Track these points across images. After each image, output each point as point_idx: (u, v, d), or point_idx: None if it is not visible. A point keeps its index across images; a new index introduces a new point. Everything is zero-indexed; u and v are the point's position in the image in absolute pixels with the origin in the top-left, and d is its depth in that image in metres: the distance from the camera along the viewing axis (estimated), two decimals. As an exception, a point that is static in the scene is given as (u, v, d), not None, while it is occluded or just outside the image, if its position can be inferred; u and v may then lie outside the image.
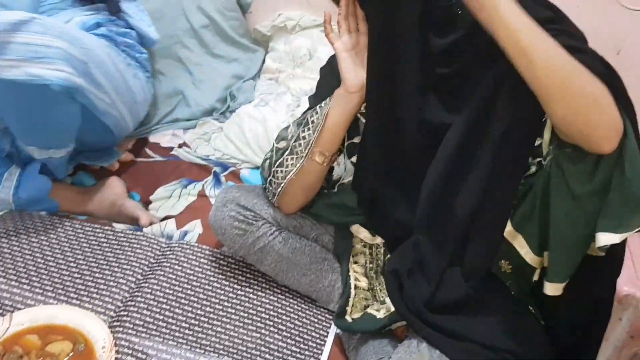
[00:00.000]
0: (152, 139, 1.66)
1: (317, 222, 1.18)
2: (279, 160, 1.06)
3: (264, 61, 1.80)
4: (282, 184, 1.06)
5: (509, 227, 0.89)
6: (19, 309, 1.09)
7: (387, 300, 1.05)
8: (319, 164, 1.03)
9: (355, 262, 1.14)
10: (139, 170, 1.55)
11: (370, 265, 1.13)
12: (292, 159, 1.05)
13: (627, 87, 1.61)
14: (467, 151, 0.87)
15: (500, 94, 0.83)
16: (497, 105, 0.83)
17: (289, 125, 1.08)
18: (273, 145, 1.09)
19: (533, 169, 0.87)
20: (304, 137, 1.03)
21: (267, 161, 1.09)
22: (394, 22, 0.88)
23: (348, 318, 1.05)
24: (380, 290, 1.09)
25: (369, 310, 1.04)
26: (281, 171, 1.06)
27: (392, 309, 1.02)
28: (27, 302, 1.11)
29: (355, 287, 1.10)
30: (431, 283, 0.94)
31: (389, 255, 1.11)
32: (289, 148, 1.05)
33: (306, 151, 1.03)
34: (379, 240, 1.13)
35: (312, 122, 1.02)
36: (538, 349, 0.91)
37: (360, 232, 1.14)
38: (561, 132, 0.77)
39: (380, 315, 1.02)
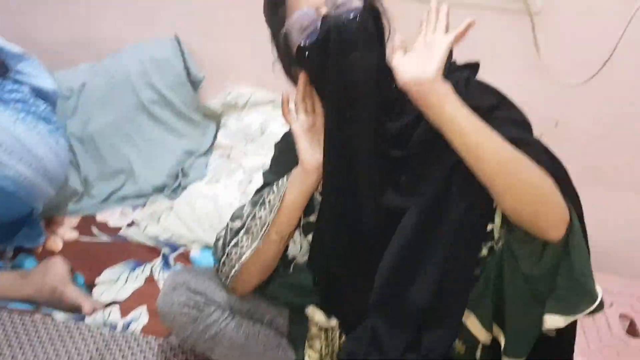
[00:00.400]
0: (100, 217, 1.63)
1: (271, 304, 1.16)
2: (234, 240, 1.03)
3: (215, 137, 1.82)
4: (237, 265, 1.03)
5: None
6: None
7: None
8: (276, 243, 1.02)
9: (311, 347, 1.12)
10: (84, 250, 1.51)
11: (326, 350, 1.12)
12: (247, 239, 1.02)
13: (565, 158, 1.69)
14: (422, 237, 0.89)
15: (453, 180, 0.86)
16: (450, 191, 0.85)
17: (244, 204, 1.06)
18: (227, 224, 1.07)
19: (485, 252, 0.89)
20: (260, 217, 1.01)
21: (220, 241, 1.06)
22: (348, 106, 0.90)
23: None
24: None
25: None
26: (235, 252, 1.03)
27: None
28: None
29: None
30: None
31: (344, 338, 1.10)
32: (245, 227, 1.02)
33: (262, 231, 1.01)
34: (334, 323, 1.12)
35: (269, 201, 1.01)
36: None
37: (316, 315, 1.13)
38: (511, 219, 0.80)
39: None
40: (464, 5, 1.51)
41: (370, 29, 0.87)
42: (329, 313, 1.11)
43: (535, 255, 0.80)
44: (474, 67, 0.96)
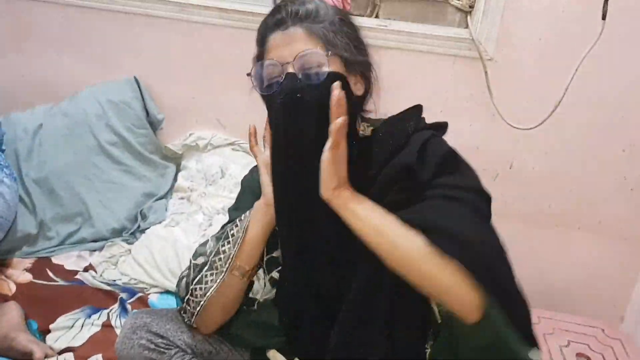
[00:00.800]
0: (56, 260, 1.58)
1: (233, 347, 1.14)
2: (197, 277, 1.02)
3: (175, 179, 1.80)
4: (202, 302, 1.01)
5: None
6: None
7: None
8: (239, 278, 1.02)
9: None
10: (38, 294, 1.46)
11: None
12: (211, 274, 1.02)
13: (520, 198, 1.72)
14: (372, 301, 0.90)
15: None
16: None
17: (207, 241, 1.06)
18: (190, 262, 1.06)
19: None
20: (224, 251, 1.01)
21: (184, 280, 1.05)
22: (285, 159, 0.94)
23: None
24: None
25: None
26: (200, 288, 1.02)
27: None
28: None
29: None
30: None
31: None
32: (208, 263, 1.02)
33: (227, 265, 1.01)
34: None
35: (232, 235, 1.01)
36: None
37: (277, 358, 1.11)
38: None
39: None
40: (418, 52, 1.57)
41: (322, 100, 0.88)
42: (292, 353, 1.10)
43: (469, 333, 0.82)
44: (441, 126, 1.00)
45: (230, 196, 1.69)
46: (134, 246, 1.60)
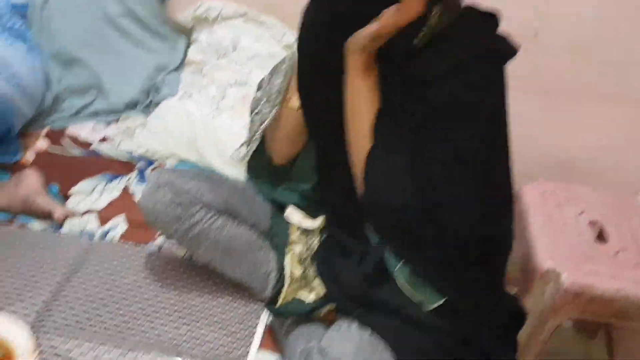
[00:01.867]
0: (70, 130, 1.60)
1: (255, 207, 1.17)
2: (257, 109, 1.10)
3: (186, 53, 1.77)
4: (258, 131, 1.09)
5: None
6: None
7: (317, 286, 1.06)
8: (293, 110, 1.05)
9: (291, 251, 1.14)
10: (57, 162, 1.49)
11: (306, 254, 1.14)
12: (268, 105, 1.09)
13: (545, 68, 1.66)
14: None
15: None
16: None
17: (264, 77, 1.13)
18: (254, 95, 1.14)
19: None
20: (275, 84, 1.08)
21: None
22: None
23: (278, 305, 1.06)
24: (313, 277, 1.10)
25: (297, 295, 1.05)
26: (259, 118, 1.09)
27: (322, 294, 1.03)
28: (-61, 311, 1.05)
29: (290, 276, 1.10)
30: (366, 265, 0.96)
31: (324, 236, 1.13)
32: (265, 96, 1.09)
33: (278, 98, 1.07)
34: (315, 223, 1.14)
35: (283, 69, 1.07)
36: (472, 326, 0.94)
37: (294, 216, 1.15)
38: None
39: (309, 299, 1.03)
40: None
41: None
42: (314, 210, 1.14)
43: None
44: (507, 52, 0.87)
45: (242, 70, 1.66)
46: (149, 118, 1.60)
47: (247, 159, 1.18)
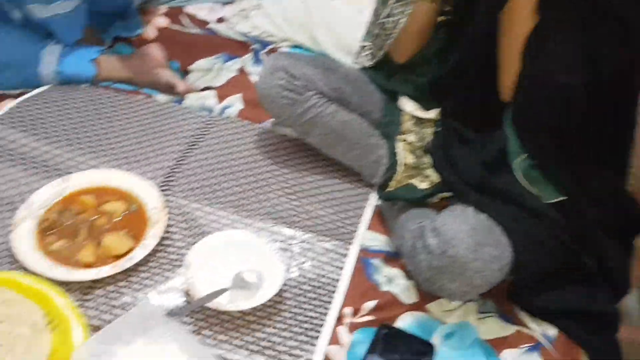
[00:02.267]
0: (188, 10, 1.63)
1: (368, 95, 1.18)
2: (387, 12, 1.09)
3: None
4: (393, 34, 1.09)
5: None
6: (72, 172, 1.15)
7: (431, 174, 1.07)
8: (428, 2, 1.05)
9: (404, 140, 1.15)
10: (178, 39, 1.54)
11: (419, 144, 1.14)
12: (400, 5, 1.07)
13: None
14: None
15: None
16: None
17: None
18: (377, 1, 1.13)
19: None
20: None
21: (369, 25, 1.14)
22: None
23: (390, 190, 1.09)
24: (426, 166, 1.11)
25: (411, 181, 1.07)
26: (392, 21, 1.08)
27: (435, 182, 1.04)
28: (80, 167, 1.16)
29: (402, 164, 1.12)
30: (486, 153, 0.96)
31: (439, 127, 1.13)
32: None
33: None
34: (429, 114, 1.13)
35: None
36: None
37: (408, 105, 1.15)
38: None
39: (423, 186, 1.05)
40: None
41: None
42: (423, 105, 1.13)
43: None
44: None
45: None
46: (264, 1, 1.61)
47: (373, 62, 1.18)
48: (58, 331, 0.87)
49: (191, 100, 1.37)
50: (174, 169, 1.19)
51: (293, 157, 1.24)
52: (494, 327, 0.96)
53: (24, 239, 0.99)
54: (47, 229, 1.02)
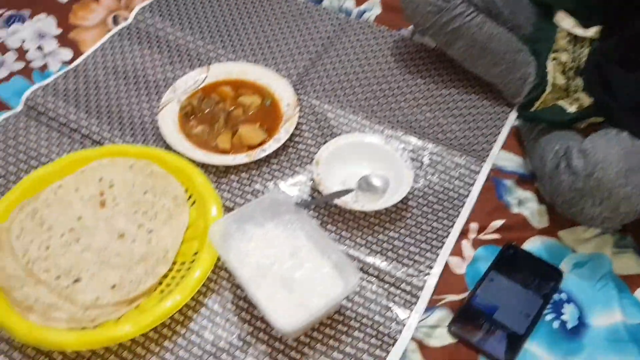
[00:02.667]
0: None
1: (517, 10, 1.09)
2: None
3: None
4: None
5: None
6: (213, 64, 1.19)
7: (582, 97, 0.99)
8: None
9: (555, 59, 1.07)
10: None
11: (572, 65, 1.05)
12: None
13: None
14: None
15: None
16: None
17: None
18: None
19: None
20: None
21: None
22: None
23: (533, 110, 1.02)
24: (577, 89, 1.02)
25: (559, 103, 1.00)
26: None
27: (586, 105, 0.96)
28: (220, 59, 1.20)
29: (552, 83, 1.04)
30: None
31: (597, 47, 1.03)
32: None
33: None
34: (588, 32, 1.03)
35: None
36: None
37: (566, 21, 1.05)
38: None
39: (571, 109, 0.97)
40: None
41: None
42: (583, 22, 1.02)
43: None
44: None
45: None
46: None
47: None
48: (196, 206, 0.93)
49: (330, 1, 1.34)
50: (309, 68, 1.19)
51: (430, 68, 1.19)
52: (630, 264, 0.90)
53: (168, 120, 1.06)
54: (188, 114, 1.08)
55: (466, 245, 0.93)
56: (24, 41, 1.23)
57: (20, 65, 1.18)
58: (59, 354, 0.78)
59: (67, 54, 1.21)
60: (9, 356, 0.79)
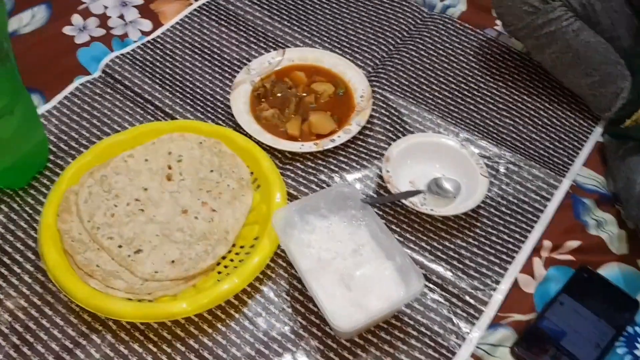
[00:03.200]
0: None
1: (618, 21, 1.03)
2: None
3: None
4: None
5: None
6: (289, 47, 1.17)
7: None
8: None
9: None
10: None
11: None
12: None
13: None
14: None
15: None
16: None
17: None
18: None
19: None
20: None
21: None
22: None
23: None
24: None
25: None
26: None
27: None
28: (296, 44, 1.17)
29: None
30: None
31: None
32: None
33: None
34: None
35: None
36: None
37: None
38: None
39: (669, 129, 0.91)
40: None
41: None
42: None
43: None
44: None
45: None
46: None
47: None
48: (260, 190, 0.91)
49: (412, -6, 1.30)
50: (385, 61, 1.15)
51: (513, 72, 1.14)
52: None
53: (240, 101, 1.04)
54: (260, 96, 1.06)
55: (538, 263, 0.88)
56: (107, 8, 1.24)
57: (101, 32, 1.19)
58: (114, 323, 0.79)
59: (147, 24, 1.21)
60: (66, 319, 0.80)
